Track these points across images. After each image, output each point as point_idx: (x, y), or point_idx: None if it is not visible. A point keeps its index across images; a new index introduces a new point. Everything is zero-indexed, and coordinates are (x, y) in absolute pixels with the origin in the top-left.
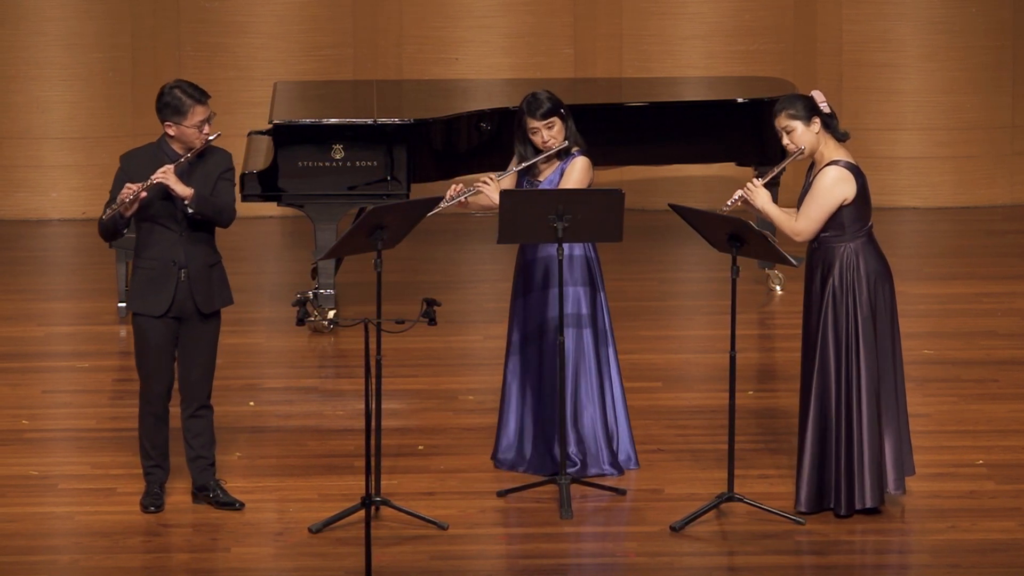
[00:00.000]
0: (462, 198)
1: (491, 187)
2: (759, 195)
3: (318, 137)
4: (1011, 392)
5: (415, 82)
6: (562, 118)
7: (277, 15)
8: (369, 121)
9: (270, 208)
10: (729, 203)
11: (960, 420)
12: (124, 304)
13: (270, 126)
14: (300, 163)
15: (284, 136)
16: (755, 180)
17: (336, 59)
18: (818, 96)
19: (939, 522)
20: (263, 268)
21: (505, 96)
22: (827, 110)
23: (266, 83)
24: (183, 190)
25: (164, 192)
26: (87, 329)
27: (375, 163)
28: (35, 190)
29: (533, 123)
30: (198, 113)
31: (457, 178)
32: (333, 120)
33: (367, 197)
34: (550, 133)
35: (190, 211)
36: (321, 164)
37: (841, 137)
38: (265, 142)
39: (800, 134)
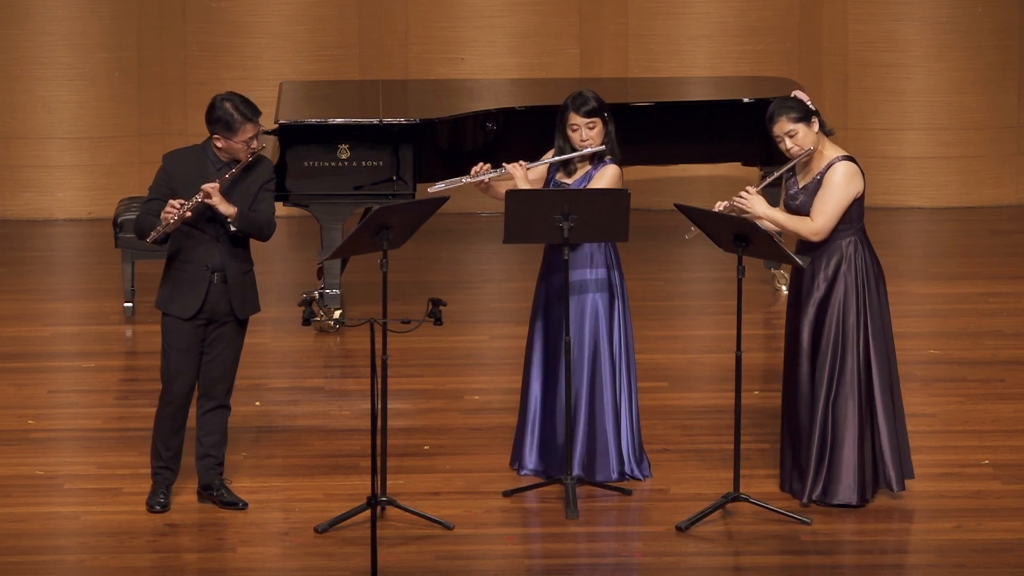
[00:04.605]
0: (485, 177)
1: (520, 172)
2: (756, 202)
3: (324, 137)
4: (1017, 392)
5: (421, 82)
6: (604, 122)
7: (283, 15)
8: (375, 121)
9: (276, 208)
10: (718, 209)
11: (966, 420)
12: (130, 304)
13: (276, 126)
14: (306, 163)
15: (290, 136)
16: (748, 188)
17: (342, 59)
18: (803, 96)
19: (945, 522)
20: (269, 268)
21: (511, 96)
22: (813, 108)
23: (272, 83)
24: (227, 209)
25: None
26: (93, 329)
27: (381, 163)
28: (41, 190)
29: (575, 119)
30: (248, 130)
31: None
32: (339, 120)
33: (373, 197)
34: (589, 133)
35: (232, 229)
36: (327, 164)
37: (828, 132)
38: (271, 142)
39: (803, 136)
